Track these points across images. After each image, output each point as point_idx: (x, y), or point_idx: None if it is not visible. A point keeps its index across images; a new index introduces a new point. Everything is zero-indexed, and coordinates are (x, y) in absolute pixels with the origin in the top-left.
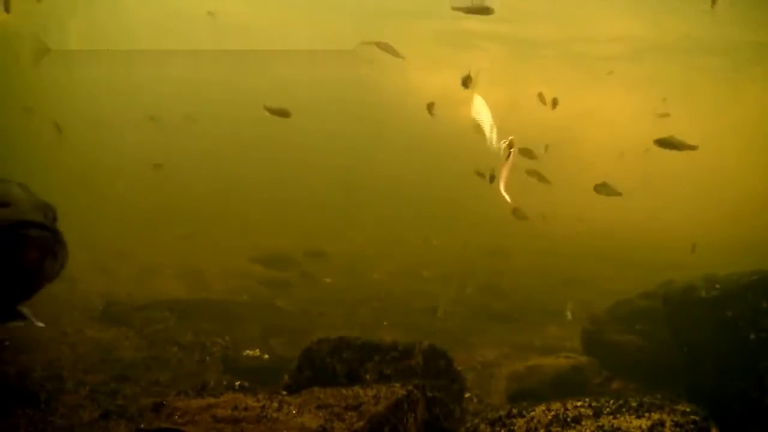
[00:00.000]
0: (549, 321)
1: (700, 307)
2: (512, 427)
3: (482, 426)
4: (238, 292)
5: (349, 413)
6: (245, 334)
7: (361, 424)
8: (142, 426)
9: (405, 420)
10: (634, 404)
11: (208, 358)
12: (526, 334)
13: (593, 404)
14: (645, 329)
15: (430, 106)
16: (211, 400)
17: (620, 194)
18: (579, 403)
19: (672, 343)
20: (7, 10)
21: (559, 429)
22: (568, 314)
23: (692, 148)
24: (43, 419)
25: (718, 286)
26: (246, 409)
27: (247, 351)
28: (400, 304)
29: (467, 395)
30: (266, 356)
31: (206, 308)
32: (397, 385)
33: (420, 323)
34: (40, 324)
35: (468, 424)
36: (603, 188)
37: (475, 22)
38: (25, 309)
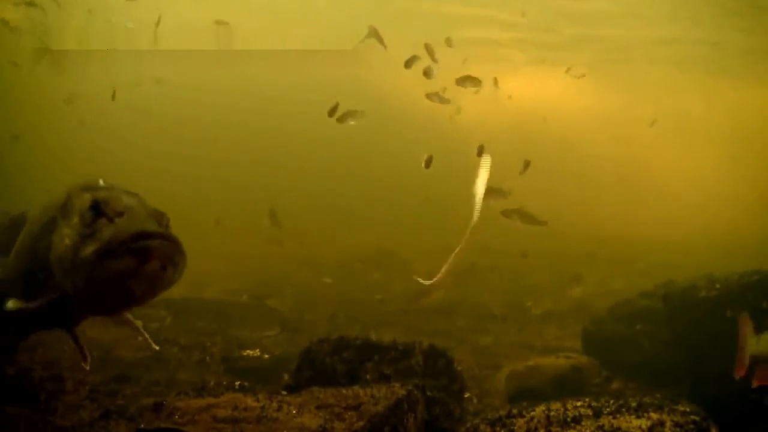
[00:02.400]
0: (549, 321)
1: (700, 307)
2: (512, 427)
3: (482, 426)
4: (237, 293)
5: (349, 413)
6: (238, 333)
7: (361, 424)
8: (142, 426)
9: (405, 420)
10: (634, 404)
11: (208, 358)
12: (527, 334)
13: (593, 404)
14: (645, 329)
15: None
16: (211, 400)
17: (545, 223)
18: (579, 403)
19: (672, 343)
20: None
21: (559, 429)
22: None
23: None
24: (43, 419)
25: (718, 286)
26: (246, 409)
27: (247, 351)
28: (400, 303)
29: (467, 395)
30: (266, 356)
31: (201, 308)
32: (397, 385)
33: (420, 323)
34: (154, 346)
35: (468, 424)
36: (515, 213)
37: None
38: (138, 322)
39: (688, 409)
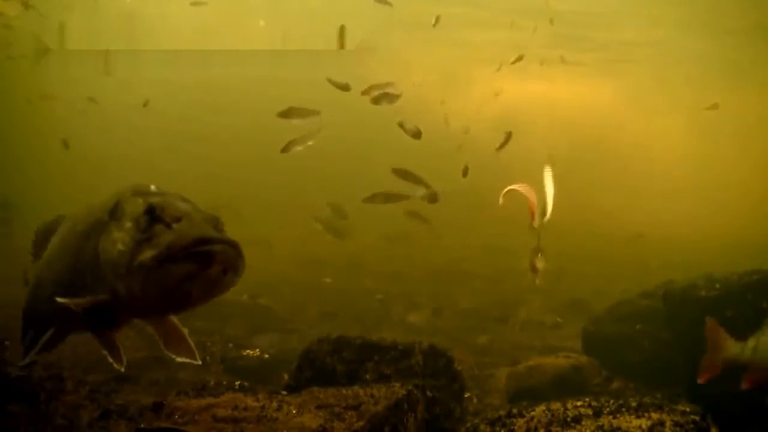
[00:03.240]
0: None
1: (700, 307)
2: (512, 427)
3: (482, 426)
4: (237, 293)
5: (349, 413)
6: (232, 332)
7: (361, 424)
8: (142, 426)
9: (405, 420)
10: (634, 404)
11: (208, 358)
12: (527, 334)
13: (593, 404)
14: (645, 329)
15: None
16: (211, 400)
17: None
18: (579, 403)
19: (672, 343)
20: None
21: (559, 429)
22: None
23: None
24: (43, 419)
25: (718, 286)
26: (246, 409)
27: (247, 351)
28: (400, 303)
29: (467, 395)
30: (266, 356)
31: (201, 307)
32: (397, 384)
33: (420, 323)
34: (197, 361)
35: (468, 424)
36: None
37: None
38: (184, 330)
39: (688, 409)
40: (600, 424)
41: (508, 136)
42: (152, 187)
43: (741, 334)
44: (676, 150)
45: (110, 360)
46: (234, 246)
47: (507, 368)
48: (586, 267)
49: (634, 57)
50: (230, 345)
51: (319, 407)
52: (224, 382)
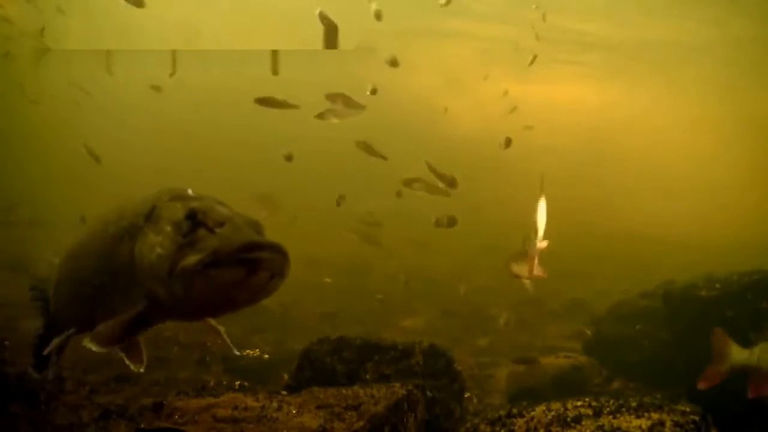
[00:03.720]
0: (549, 321)
1: (700, 307)
2: (512, 427)
3: (482, 426)
4: None
5: (349, 413)
6: (231, 332)
7: (361, 423)
8: (142, 426)
9: (405, 420)
10: (634, 404)
11: (208, 357)
12: (527, 334)
13: (593, 404)
14: (645, 329)
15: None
16: (211, 400)
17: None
18: (579, 403)
19: (672, 343)
20: None
21: (559, 429)
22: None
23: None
24: (43, 419)
25: (718, 286)
26: (246, 409)
27: (247, 351)
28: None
29: (467, 395)
30: (266, 356)
31: None
32: (397, 384)
33: (420, 323)
34: (236, 351)
35: (468, 424)
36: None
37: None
38: (221, 327)
39: (688, 409)
40: (600, 424)
41: (508, 142)
42: (189, 191)
43: (746, 341)
44: (676, 150)
45: (127, 362)
46: (281, 252)
47: (507, 368)
48: (586, 267)
49: (638, 56)
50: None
51: (319, 407)
52: (224, 382)
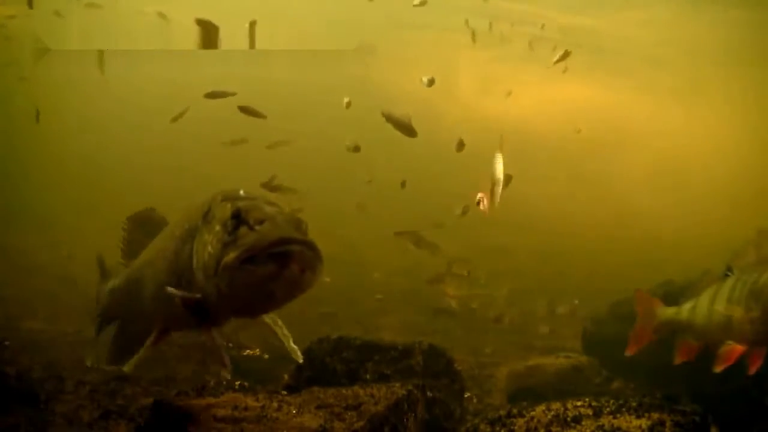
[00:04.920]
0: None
1: None
2: (512, 427)
3: (482, 426)
4: None
5: (349, 413)
6: (230, 332)
7: (361, 423)
8: (142, 426)
9: (405, 420)
10: (634, 404)
11: (208, 358)
12: (527, 334)
13: (593, 404)
14: None
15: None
16: (211, 400)
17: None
18: (579, 403)
19: (672, 343)
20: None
21: (559, 429)
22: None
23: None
24: (43, 419)
25: None
26: (246, 409)
27: (247, 351)
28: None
29: (467, 395)
30: (266, 356)
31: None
32: (397, 384)
33: (420, 323)
34: (298, 356)
35: (468, 424)
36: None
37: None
38: (276, 319)
39: (688, 409)
40: (600, 424)
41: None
42: (241, 192)
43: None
44: (677, 150)
45: (222, 364)
46: (311, 247)
47: (507, 368)
48: (587, 266)
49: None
50: (230, 345)
51: (319, 407)
52: (224, 382)
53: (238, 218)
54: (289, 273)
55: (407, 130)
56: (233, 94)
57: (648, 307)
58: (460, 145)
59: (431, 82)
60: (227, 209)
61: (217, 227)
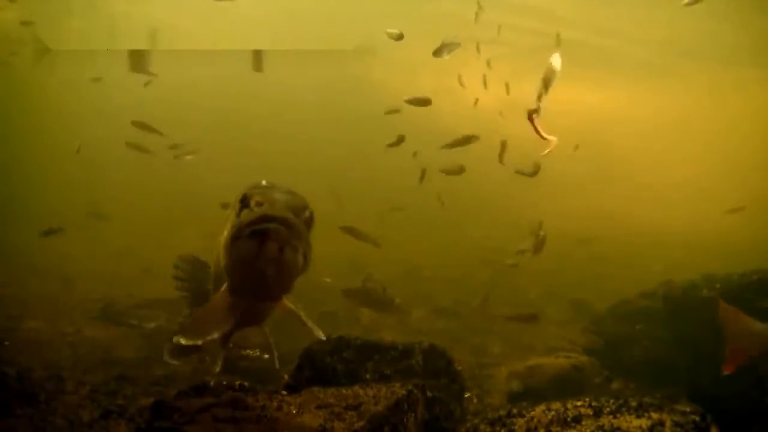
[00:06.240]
0: (549, 321)
1: (700, 307)
2: (512, 427)
3: (482, 426)
4: None
5: (349, 413)
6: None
7: (361, 423)
8: (142, 426)
9: (405, 420)
10: (634, 404)
11: (208, 357)
12: (527, 334)
13: (593, 404)
14: (645, 329)
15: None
16: (211, 400)
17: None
18: (579, 403)
19: (672, 343)
20: None
21: (559, 429)
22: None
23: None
24: (43, 419)
25: (718, 285)
26: (246, 409)
27: (247, 351)
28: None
29: (467, 395)
30: (266, 356)
31: (179, 303)
32: (397, 384)
33: (420, 323)
34: (319, 335)
35: (468, 424)
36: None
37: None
38: (300, 313)
39: (688, 409)
40: (600, 424)
41: (504, 146)
42: (263, 182)
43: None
44: (677, 149)
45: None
46: (288, 225)
47: (507, 368)
48: (587, 266)
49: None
50: (230, 345)
51: (319, 407)
52: (224, 382)
53: (244, 201)
54: (267, 249)
55: (422, 102)
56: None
57: (737, 322)
58: (503, 148)
59: (399, 37)
60: (240, 195)
61: (233, 213)
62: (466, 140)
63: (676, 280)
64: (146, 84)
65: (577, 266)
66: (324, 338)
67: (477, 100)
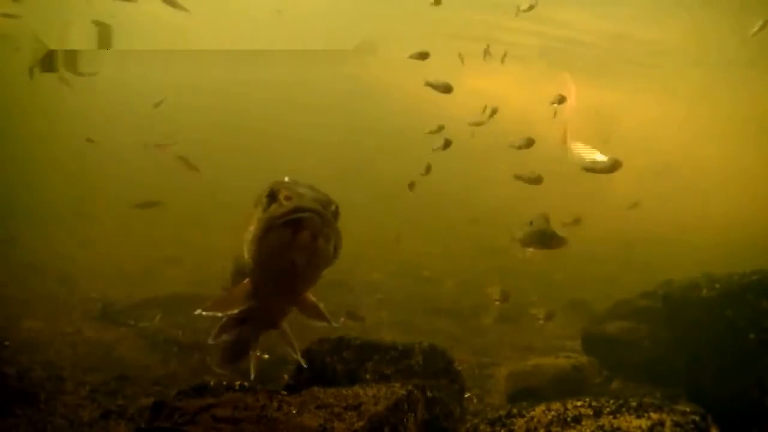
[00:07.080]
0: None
1: (700, 307)
2: (512, 427)
3: (482, 426)
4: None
5: (349, 413)
6: (204, 325)
7: (360, 423)
8: (142, 426)
9: (405, 420)
10: (634, 404)
11: (207, 358)
12: (527, 334)
13: (593, 404)
14: (645, 329)
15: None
16: (211, 400)
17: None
18: (579, 403)
19: (672, 343)
20: None
21: (559, 429)
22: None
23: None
24: (43, 419)
25: (718, 286)
26: (246, 409)
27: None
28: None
29: (467, 395)
30: (266, 356)
31: (179, 303)
32: (397, 384)
33: (420, 323)
34: (335, 324)
35: (468, 424)
36: None
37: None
38: (320, 303)
39: (688, 409)
40: (600, 424)
41: (494, 111)
42: (286, 179)
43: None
44: (679, 149)
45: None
46: (321, 215)
47: (507, 368)
48: (587, 267)
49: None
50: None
51: (319, 407)
52: (224, 382)
53: (272, 196)
54: (301, 238)
55: (444, 87)
56: None
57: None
58: (530, 143)
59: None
60: (266, 191)
61: (259, 207)
62: (530, 143)
63: (676, 280)
64: (156, 105)
65: (576, 266)
66: (337, 324)
67: (486, 107)
